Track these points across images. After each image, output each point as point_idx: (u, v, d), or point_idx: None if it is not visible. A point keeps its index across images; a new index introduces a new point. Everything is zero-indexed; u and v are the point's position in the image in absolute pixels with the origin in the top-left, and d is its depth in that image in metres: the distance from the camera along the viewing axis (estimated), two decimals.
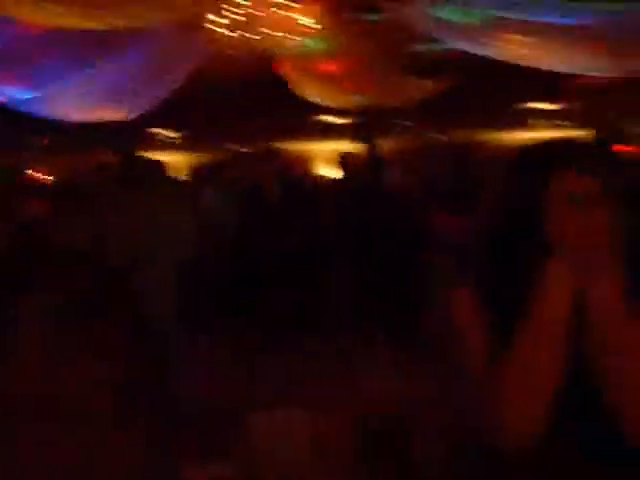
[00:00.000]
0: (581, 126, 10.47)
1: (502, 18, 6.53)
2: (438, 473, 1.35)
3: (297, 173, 8.86)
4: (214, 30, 7.15)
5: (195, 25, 7.54)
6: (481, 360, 1.48)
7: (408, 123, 13.68)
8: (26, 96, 9.02)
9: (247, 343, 5.88)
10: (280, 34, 7.52)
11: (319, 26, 7.58)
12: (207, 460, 2.48)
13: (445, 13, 6.90)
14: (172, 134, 14.96)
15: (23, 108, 9.76)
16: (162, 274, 4.87)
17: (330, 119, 12.56)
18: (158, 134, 14.76)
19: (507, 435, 1.40)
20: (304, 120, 12.85)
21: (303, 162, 14.68)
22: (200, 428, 4.15)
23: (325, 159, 10.91)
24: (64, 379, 1.01)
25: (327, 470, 1.31)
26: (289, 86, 9.24)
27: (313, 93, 9.60)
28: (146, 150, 11.61)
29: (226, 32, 7.22)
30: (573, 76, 8.61)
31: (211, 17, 7.05)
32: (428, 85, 9.33)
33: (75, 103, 9.74)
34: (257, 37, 7.34)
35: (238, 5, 7.11)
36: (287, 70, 8.89)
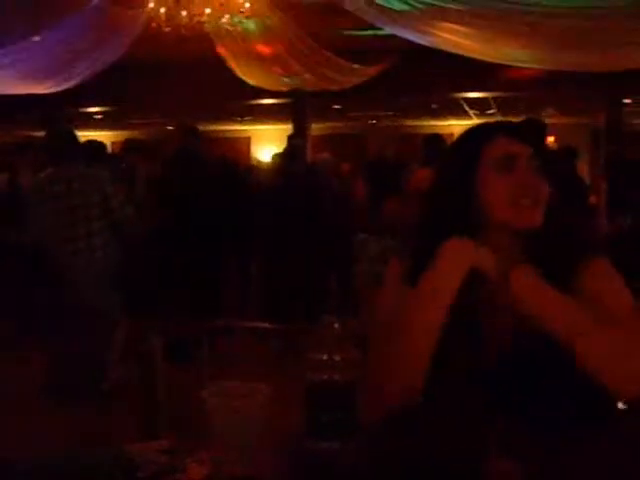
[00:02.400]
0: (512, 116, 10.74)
1: (438, 6, 6.65)
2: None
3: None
4: (153, 7, 7.05)
5: (135, 2, 7.46)
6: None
7: (338, 106, 13.76)
8: None
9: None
10: (216, 13, 7.49)
11: (253, 6, 7.56)
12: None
13: (383, 0, 6.98)
14: (95, 109, 14.69)
15: None
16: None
17: (267, 101, 12.51)
18: (83, 110, 14.48)
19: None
20: (241, 101, 12.78)
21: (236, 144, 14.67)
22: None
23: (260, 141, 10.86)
24: None
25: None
26: (228, 66, 9.20)
27: (247, 74, 9.59)
28: (71, 126, 11.45)
29: (163, 10, 7.13)
30: (506, 66, 8.81)
31: None
32: (362, 70, 9.41)
33: (5, 77, 9.50)
34: (195, 16, 7.27)
35: None
36: (224, 50, 8.85)
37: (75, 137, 5.18)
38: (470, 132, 1.68)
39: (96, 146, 6.19)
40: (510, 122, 1.71)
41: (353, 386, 1.33)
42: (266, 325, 5.72)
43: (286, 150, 6.88)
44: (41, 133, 12.42)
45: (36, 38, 8.15)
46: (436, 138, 6.21)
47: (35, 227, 5.07)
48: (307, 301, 6.40)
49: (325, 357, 1.34)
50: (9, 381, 5.06)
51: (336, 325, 1.37)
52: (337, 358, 1.33)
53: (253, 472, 1.27)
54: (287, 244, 6.46)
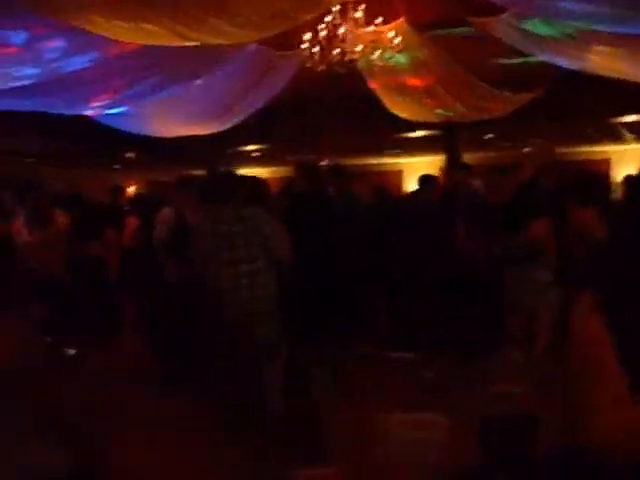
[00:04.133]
0: None
1: (587, 30, 6.45)
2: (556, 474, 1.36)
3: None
4: (306, 47, 7.26)
5: (288, 43, 7.70)
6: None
7: (490, 136, 13.59)
8: (116, 111, 9.32)
9: None
10: (367, 49, 7.61)
11: (404, 40, 7.62)
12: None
13: (530, 26, 6.86)
14: (254, 148, 15.20)
15: (113, 123, 10.10)
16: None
17: (418, 134, 12.54)
18: (241, 149, 15.02)
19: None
20: (393, 135, 12.87)
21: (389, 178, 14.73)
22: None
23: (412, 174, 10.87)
24: None
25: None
26: (380, 101, 9.31)
27: (400, 108, 9.65)
28: (230, 165, 11.94)
29: (316, 49, 7.32)
30: None
31: (306, 36, 7.15)
32: (515, 98, 9.25)
33: (165, 119, 10.03)
34: (347, 53, 7.42)
35: (328, 23, 7.24)
36: (375, 85, 8.97)
37: (236, 179, 5.39)
38: None
39: (257, 184, 6.36)
40: None
41: (531, 420, 1.31)
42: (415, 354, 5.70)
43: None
44: (201, 172, 13.03)
45: (198, 82, 8.58)
46: (591, 179, 6.08)
47: (199, 265, 5.25)
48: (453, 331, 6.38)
49: (504, 389, 1.32)
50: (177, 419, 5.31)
51: (517, 357, 1.35)
52: (517, 390, 1.31)
53: None
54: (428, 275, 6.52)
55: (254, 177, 6.33)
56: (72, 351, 6.89)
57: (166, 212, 6.36)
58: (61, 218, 7.76)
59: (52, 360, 5.35)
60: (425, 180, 7.59)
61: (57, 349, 6.61)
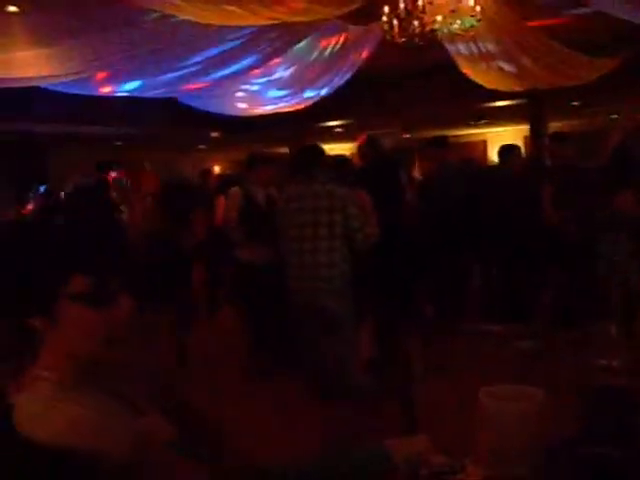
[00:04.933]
0: None
1: None
2: None
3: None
4: (386, 20, 7.21)
5: (367, 18, 7.68)
6: None
7: (576, 103, 13.20)
8: (201, 92, 9.50)
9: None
10: (447, 19, 7.51)
11: (484, 8, 7.49)
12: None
13: None
14: (338, 123, 15.20)
15: (196, 104, 10.29)
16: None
17: (502, 103, 12.29)
18: (324, 124, 15.05)
19: None
20: (476, 105, 12.65)
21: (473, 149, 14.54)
22: None
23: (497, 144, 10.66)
24: None
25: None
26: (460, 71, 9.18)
27: (482, 76, 9.48)
28: (312, 140, 11.99)
29: (396, 22, 7.27)
30: None
31: (385, 9, 7.10)
32: (600, 63, 8.97)
33: (251, 98, 10.16)
34: (427, 24, 7.34)
35: None
36: (456, 54, 8.85)
37: (323, 154, 5.36)
38: None
39: (341, 162, 6.40)
40: None
41: (633, 392, 1.30)
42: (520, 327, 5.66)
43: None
44: (281, 149, 13.08)
45: (278, 60, 8.66)
46: None
47: (281, 242, 5.27)
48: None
49: (604, 362, 1.32)
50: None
51: (613, 330, 1.35)
52: (615, 364, 1.31)
53: (527, 474, 1.28)
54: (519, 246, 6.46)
55: (340, 155, 6.31)
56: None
57: (233, 191, 6.34)
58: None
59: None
60: (505, 150, 7.49)
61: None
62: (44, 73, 6.87)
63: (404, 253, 6.02)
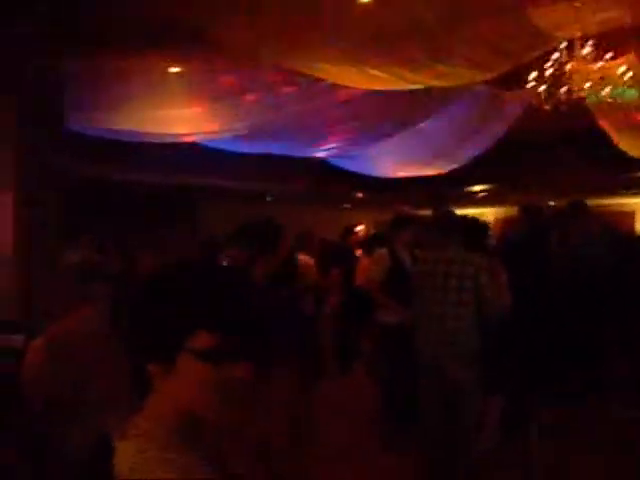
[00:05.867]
0: None
1: None
2: None
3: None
4: (533, 86, 7.24)
5: (515, 82, 7.73)
6: None
7: None
8: (351, 153, 9.80)
9: None
10: (594, 85, 7.44)
11: (635, 75, 7.37)
12: None
13: None
14: (479, 188, 15.19)
15: (346, 165, 10.61)
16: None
17: None
18: (467, 189, 15.08)
19: None
20: (624, 174, 12.34)
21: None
22: None
23: None
24: None
25: None
26: (610, 139, 9.04)
27: (630, 145, 9.30)
28: (455, 205, 12.04)
29: (543, 87, 7.28)
30: None
31: (532, 75, 7.13)
32: None
33: (391, 160, 10.38)
34: (573, 90, 7.30)
35: (554, 60, 7.17)
36: (604, 122, 8.73)
37: (456, 219, 5.41)
38: None
39: (478, 227, 6.30)
40: None
41: None
42: None
43: None
44: (423, 211, 13.20)
45: (422, 125, 8.83)
46: None
47: (414, 304, 5.30)
48: None
49: None
50: None
51: None
52: None
53: None
54: None
55: (475, 218, 6.28)
56: None
57: (380, 253, 6.33)
58: None
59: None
60: None
61: None
62: (198, 130, 7.37)
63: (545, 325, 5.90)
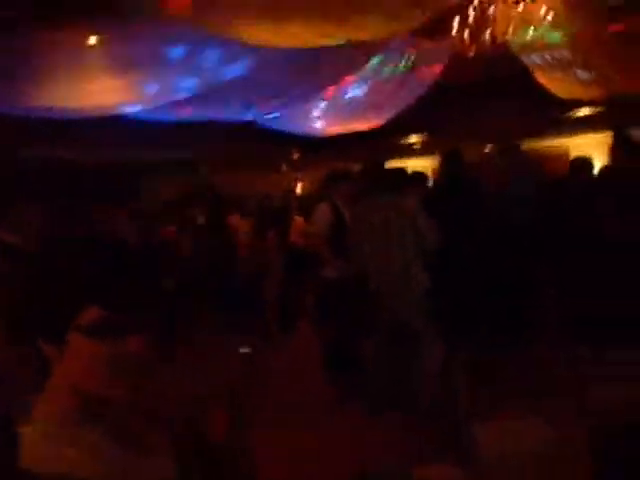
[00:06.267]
0: None
1: None
2: None
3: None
4: (457, 34, 7.21)
5: (438, 31, 7.69)
6: None
7: None
8: (274, 114, 9.68)
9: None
10: (519, 28, 7.45)
11: (557, 16, 7.38)
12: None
13: None
14: (413, 139, 15.22)
15: (274, 125, 10.48)
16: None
17: (582, 112, 12.08)
18: (401, 141, 15.10)
19: None
20: (550, 114, 12.48)
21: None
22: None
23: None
24: None
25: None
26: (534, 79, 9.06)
27: (557, 86, 9.36)
28: (390, 157, 12.05)
29: (467, 33, 7.27)
30: None
31: (456, 21, 7.09)
32: None
33: (328, 118, 10.30)
34: (497, 35, 7.31)
35: (477, 6, 7.15)
36: (530, 64, 8.76)
37: (388, 169, 5.43)
38: None
39: (403, 175, 6.27)
40: None
41: None
42: None
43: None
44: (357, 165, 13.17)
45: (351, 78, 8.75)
46: None
47: (355, 257, 5.34)
48: None
49: None
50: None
51: None
52: None
53: None
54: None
55: (402, 167, 6.29)
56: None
57: (322, 208, 6.27)
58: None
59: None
60: (577, 165, 7.18)
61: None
62: (122, 101, 7.17)
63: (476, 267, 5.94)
